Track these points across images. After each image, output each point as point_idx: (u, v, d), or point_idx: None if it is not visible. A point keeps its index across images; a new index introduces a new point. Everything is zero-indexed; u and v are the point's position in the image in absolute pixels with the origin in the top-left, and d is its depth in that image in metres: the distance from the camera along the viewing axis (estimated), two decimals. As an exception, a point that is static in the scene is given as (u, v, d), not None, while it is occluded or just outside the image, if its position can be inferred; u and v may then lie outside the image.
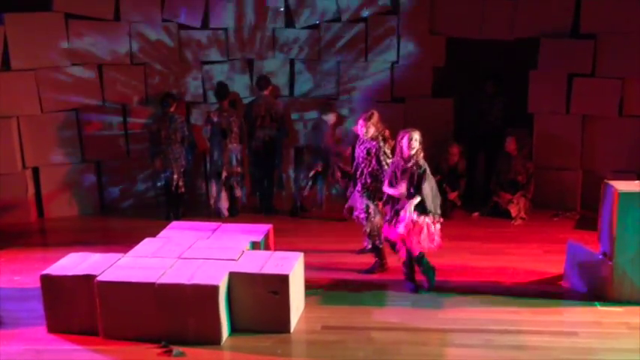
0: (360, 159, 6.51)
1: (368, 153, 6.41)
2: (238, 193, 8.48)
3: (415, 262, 6.07)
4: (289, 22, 9.14)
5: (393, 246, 6.17)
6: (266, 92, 8.48)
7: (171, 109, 8.28)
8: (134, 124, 8.81)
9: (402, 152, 5.92)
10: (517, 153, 8.36)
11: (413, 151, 5.86)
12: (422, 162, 5.89)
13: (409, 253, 6.03)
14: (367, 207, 6.48)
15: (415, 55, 8.94)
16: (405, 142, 5.88)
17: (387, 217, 6.11)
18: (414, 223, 5.87)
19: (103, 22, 8.49)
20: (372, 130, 6.37)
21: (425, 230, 5.89)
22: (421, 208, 5.88)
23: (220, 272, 5.30)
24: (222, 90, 8.35)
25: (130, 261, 5.60)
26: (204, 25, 8.99)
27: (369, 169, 6.42)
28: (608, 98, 8.31)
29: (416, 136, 5.88)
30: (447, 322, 5.55)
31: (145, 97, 8.82)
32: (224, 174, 8.28)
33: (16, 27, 7.99)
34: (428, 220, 5.89)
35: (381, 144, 6.36)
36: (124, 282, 5.21)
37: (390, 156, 6.33)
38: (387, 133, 6.45)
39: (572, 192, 8.61)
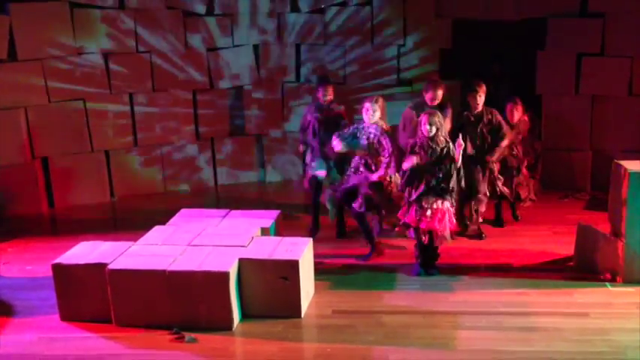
0: None
1: (368, 138, 6.36)
2: None
3: (432, 250, 6.02)
4: (294, 7, 9.09)
5: (406, 227, 6.10)
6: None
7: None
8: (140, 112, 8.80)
9: (422, 133, 5.92)
10: (527, 134, 8.30)
11: (432, 133, 5.86)
12: (443, 141, 5.91)
13: (420, 237, 6.01)
14: None
15: (421, 38, 8.88)
16: (423, 124, 5.89)
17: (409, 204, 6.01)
18: (440, 210, 5.87)
19: (108, 10, 8.48)
20: (378, 114, 6.34)
21: (447, 215, 5.90)
22: (444, 192, 5.88)
23: (230, 258, 5.32)
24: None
25: (141, 249, 5.63)
26: (210, 11, 8.94)
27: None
28: (618, 77, 8.23)
29: (435, 119, 5.88)
30: (457, 304, 5.55)
31: (152, 86, 8.81)
32: None
33: (21, 17, 7.96)
34: (447, 204, 5.90)
35: (382, 127, 6.32)
36: (135, 270, 5.25)
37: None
38: (384, 125, 6.39)
39: (582, 173, 8.56)
